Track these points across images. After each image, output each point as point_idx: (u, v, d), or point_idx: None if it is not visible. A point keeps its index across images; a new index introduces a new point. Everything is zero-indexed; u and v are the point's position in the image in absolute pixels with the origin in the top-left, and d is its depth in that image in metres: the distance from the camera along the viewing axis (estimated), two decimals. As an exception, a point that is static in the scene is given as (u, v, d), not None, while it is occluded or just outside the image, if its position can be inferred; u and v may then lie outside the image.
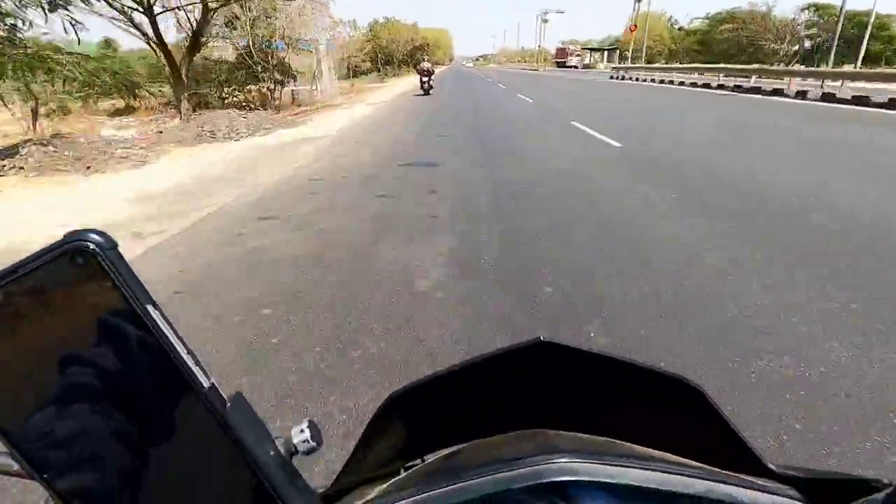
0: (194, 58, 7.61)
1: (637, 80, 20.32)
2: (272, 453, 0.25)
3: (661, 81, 18.73)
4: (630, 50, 33.56)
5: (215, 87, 9.28)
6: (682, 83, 17.04)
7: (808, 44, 22.97)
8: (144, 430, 0.23)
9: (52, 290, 0.21)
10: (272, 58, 9.66)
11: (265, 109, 9.66)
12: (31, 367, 0.21)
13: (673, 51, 28.63)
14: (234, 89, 9.15)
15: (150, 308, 0.21)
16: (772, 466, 0.28)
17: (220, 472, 0.25)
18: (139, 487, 0.23)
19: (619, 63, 38.81)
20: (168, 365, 0.22)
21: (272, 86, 9.91)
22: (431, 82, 16.01)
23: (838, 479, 0.28)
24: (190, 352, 0.23)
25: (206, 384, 0.23)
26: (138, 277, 0.21)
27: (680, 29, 40.91)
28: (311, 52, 12.66)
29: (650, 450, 0.29)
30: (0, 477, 0.23)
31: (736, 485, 0.25)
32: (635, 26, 22.66)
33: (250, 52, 9.39)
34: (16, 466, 0.23)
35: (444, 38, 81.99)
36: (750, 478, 0.26)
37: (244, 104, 9.10)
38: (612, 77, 22.45)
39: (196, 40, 7.29)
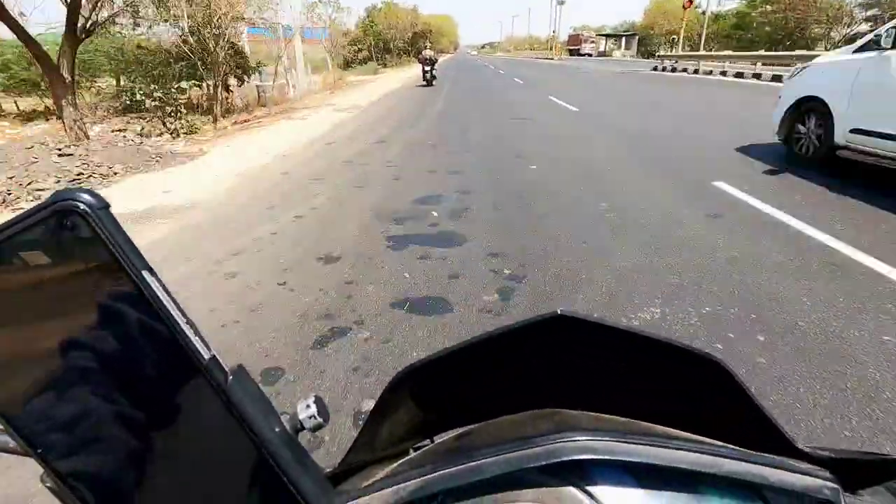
0: (80, 45, 5.01)
1: (694, 72, 15.55)
2: (277, 430, 0.24)
3: (722, 73, 14.80)
4: (661, 35, 30.56)
5: (144, 84, 6.70)
6: (757, 76, 13.68)
7: (864, 26, 19.75)
8: (142, 405, 0.22)
9: (41, 253, 0.19)
10: (220, 46, 7.02)
11: (210, 114, 7.03)
12: (20, 334, 0.20)
13: (709, 36, 25.40)
14: (164, 87, 6.52)
15: (146, 274, 0.20)
16: (801, 446, 0.28)
17: (223, 449, 0.24)
18: (137, 464, 0.22)
19: (637, 50, 35.43)
20: (166, 335, 0.21)
21: (218, 82, 7.27)
22: (434, 71, 14.62)
23: (869, 460, 0.28)
24: (189, 321, 0.22)
25: (206, 356, 0.22)
26: (133, 241, 0.20)
27: (703, 13, 37.31)
28: (277, 38, 9.97)
29: (671, 429, 0.28)
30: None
31: (764, 464, 0.24)
32: (690, 1, 19.43)
33: (189, 37, 6.75)
34: (11, 443, 0.22)
35: (448, 25, 78.32)
36: (779, 458, 0.26)
37: (179, 109, 6.43)
38: (655, 68, 19.06)
39: (73, 20, 4.68)
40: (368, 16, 25.53)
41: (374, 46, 24.95)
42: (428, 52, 15.06)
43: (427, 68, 14.57)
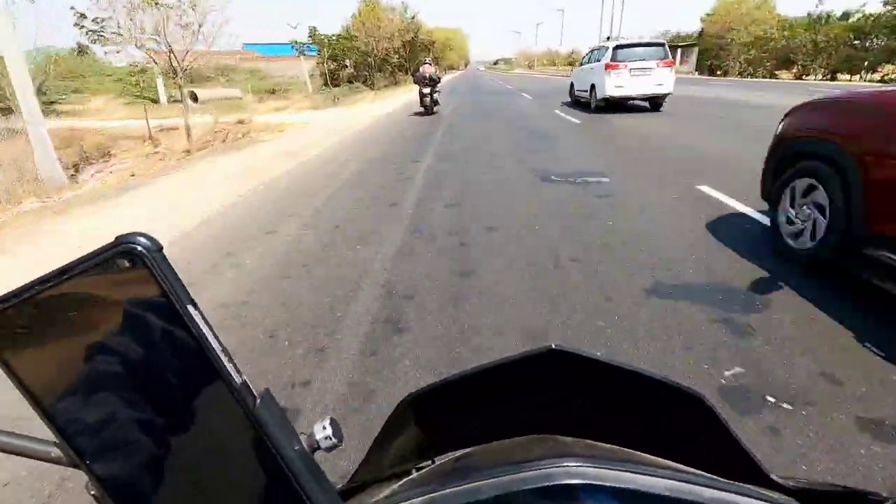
0: None
1: None
2: (297, 448, 0.30)
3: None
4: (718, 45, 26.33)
5: None
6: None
7: None
8: (179, 421, 0.28)
9: (102, 287, 0.25)
10: None
11: None
12: (80, 359, 0.26)
13: (818, 46, 20.70)
14: None
15: (189, 307, 0.26)
16: (774, 476, 0.34)
17: (247, 463, 0.29)
18: (172, 475, 0.28)
19: (696, 65, 30.98)
20: (204, 361, 0.27)
21: None
22: (437, 95, 12.31)
23: (838, 491, 0.33)
24: (224, 349, 0.27)
25: (238, 380, 0.27)
26: (180, 278, 0.26)
27: (777, 18, 32.86)
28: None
29: (656, 458, 0.34)
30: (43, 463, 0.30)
31: (739, 493, 0.29)
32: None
33: None
34: (55, 453, 0.29)
35: (458, 39, 75.71)
36: (753, 487, 0.31)
37: None
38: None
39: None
40: (353, 23, 21.49)
41: (359, 63, 20.67)
42: (427, 69, 12.17)
43: (426, 91, 11.87)
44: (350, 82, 21.62)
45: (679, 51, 30.55)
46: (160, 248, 0.26)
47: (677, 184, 4.09)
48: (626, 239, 2.91)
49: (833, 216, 1.86)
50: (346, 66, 22.14)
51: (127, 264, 0.25)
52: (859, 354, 1.62)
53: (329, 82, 22.82)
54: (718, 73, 30.85)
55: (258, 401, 0.28)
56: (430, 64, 12.80)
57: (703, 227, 2.98)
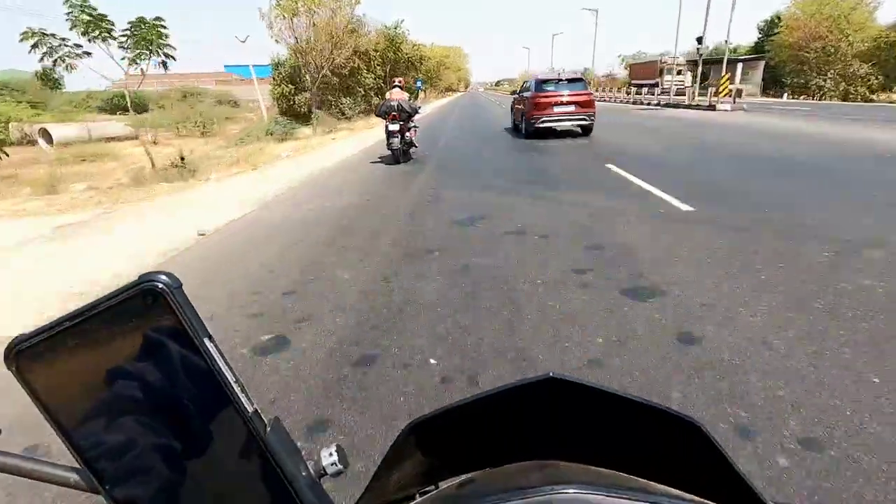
0: None
1: None
2: (304, 474, 0.35)
3: None
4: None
5: None
6: None
7: None
8: (194, 448, 0.33)
9: (126, 322, 0.30)
10: None
11: None
12: (104, 390, 0.31)
13: None
14: None
15: (206, 341, 0.31)
16: (770, 503, 0.37)
17: (258, 488, 0.34)
18: (184, 499, 0.33)
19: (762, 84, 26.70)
20: (219, 390, 0.32)
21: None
22: (411, 135, 9.12)
23: None
24: (238, 380, 0.32)
25: (250, 409, 0.32)
26: (198, 313, 0.31)
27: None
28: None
29: (655, 483, 0.37)
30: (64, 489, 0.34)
31: None
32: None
33: None
34: (75, 479, 0.33)
35: (456, 58, 72.31)
36: None
37: None
38: None
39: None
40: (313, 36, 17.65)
41: (321, 85, 16.46)
42: (396, 95, 9.01)
43: (393, 127, 8.56)
44: (310, 111, 17.30)
45: (738, 67, 26.40)
46: (180, 286, 0.31)
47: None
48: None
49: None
50: (305, 90, 17.95)
51: (150, 300, 0.30)
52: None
53: (287, 110, 18.67)
54: (796, 94, 26.52)
55: (268, 428, 0.34)
56: (402, 86, 9.48)
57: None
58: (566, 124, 11.11)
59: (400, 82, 9.28)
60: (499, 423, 0.46)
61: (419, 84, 33.72)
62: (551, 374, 0.39)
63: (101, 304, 0.30)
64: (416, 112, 9.13)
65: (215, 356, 0.31)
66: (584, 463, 0.40)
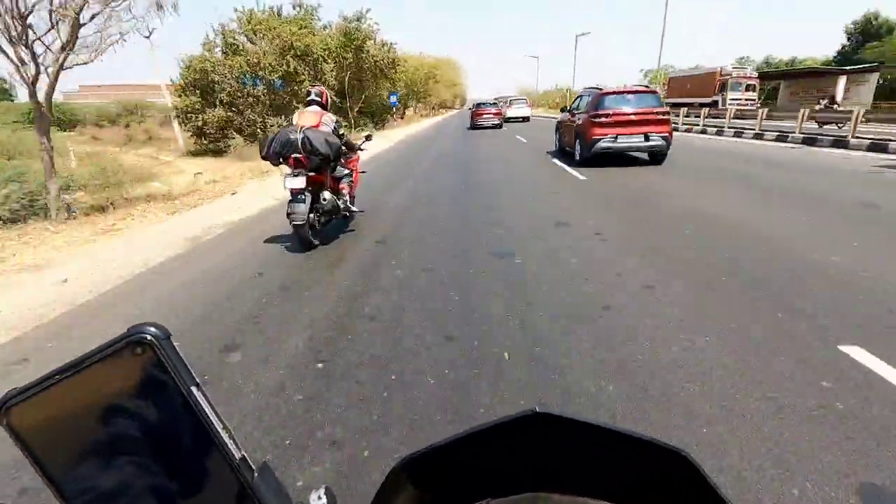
0: None
1: None
2: None
3: None
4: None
5: None
6: None
7: None
8: (183, 496, 0.37)
9: (115, 374, 0.34)
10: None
11: None
12: (94, 439, 0.35)
13: None
14: None
15: (194, 389, 0.35)
16: None
17: None
18: None
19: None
20: (206, 437, 0.36)
21: None
22: (348, 191, 5.81)
23: None
24: (225, 426, 0.36)
25: (237, 455, 0.36)
26: (186, 363, 0.35)
27: None
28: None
29: None
30: None
31: None
32: None
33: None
34: None
35: (449, 70, 67.25)
36: None
37: None
38: None
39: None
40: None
41: (243, 98, 12.51)
42: (306, 120, 5.12)
43: (296, 182, 4.78)
44: (224, 135, 13.11)
45: (841, 80, 22.58)
46: (168, 336, 0.34)
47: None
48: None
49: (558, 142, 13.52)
50: (216, 104, 13.78)
51: (139, 351, 0.33)
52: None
53: (198, 132, 14.50)
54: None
55: (256, 474, 0.38)
56: (323, 103, 5.56)
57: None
58: (635, 146, 9.83)
59: (320, 94, 5.35)
60: (488, 457, 0.51)
61: (393, 100, 28.22)
62: (536, 410, 0.44)
63: (90, 356, 0.34)
64: (351, 154, 5.28)
65: (203, 404, 0.35)
66: (574, 494, 0.47)
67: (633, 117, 9.59)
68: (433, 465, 0.51)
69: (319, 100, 5.23)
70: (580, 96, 11.53)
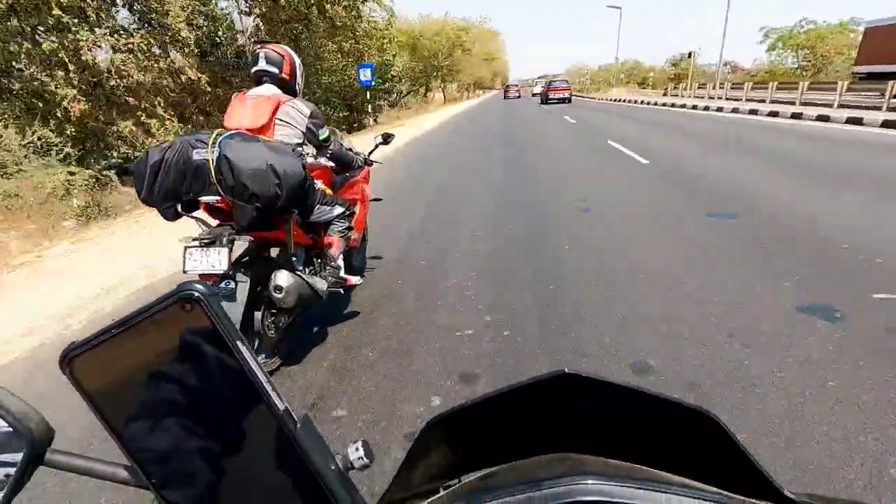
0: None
1: None
2: (333, 468, 0.46)
3: None
4: None
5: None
6: None
7: None
8: (230, 445, 0.44)
9: (167, 328, 0.41)
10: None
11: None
12: (149, 391, 0.42)
13: None
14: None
15: (239, 343, 0.42)
16: (788, 493, 0.44)
17: (290, 483, 0.45)
18: (222, 494, 0.45)
19: None
20: (252, 390, 0.42)
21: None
22: (334, 249, 3.22)
23: None
24: (269, 380, 0.43)
25: (281, 407, 0.43)
26: (231, 319, 0.42)
27: None
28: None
29: (672, 475, 0.44)
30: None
31: None
32: None
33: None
34: (123, 474, 0.48)
35: (489, 42, 61.67)
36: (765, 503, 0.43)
37: None
38: None
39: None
40: None
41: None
42: (246, 114, 2.81)
43: (206, 266, 2.50)
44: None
45: None
46: (215, 293, 0.49)
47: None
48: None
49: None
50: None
51: (188, 308, 0.40)
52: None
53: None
54: None
55: (299, 425, 0.44)
56: (278, 77, 3.01)
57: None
58: (557, 98, 38.63)
59: (278, 61, 3.11)
60: (516, 418, 0.58)
61: (365, 76, 18.58)
62: (566, 371, 0.50)
63: (144, 312, 0.41)
64: (345, 166, 3.55)
65: (248, 358, 0.42)
66: (601, 455, 0.49)
67: (557, 89, 40.07)
68: (463, 425, 0.59)
69: (276, 71, 3.06)
70: (548, 81, 46.54)
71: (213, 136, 2.42)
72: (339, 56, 18.63)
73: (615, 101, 42.26)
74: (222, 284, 2.57)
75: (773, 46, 47.46)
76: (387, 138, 4.07)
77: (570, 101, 39.96)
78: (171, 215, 2.60)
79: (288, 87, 3.09)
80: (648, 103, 34.33)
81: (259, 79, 3.05)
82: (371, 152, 3.96)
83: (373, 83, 19.39)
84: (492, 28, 64.55)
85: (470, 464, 0.60)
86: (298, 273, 2.86)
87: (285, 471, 0.45)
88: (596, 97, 52.72)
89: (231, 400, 0.42)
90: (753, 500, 0.40)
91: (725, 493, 0.41)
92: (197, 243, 2.56)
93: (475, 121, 26.04)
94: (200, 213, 2.75)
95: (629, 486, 0.39)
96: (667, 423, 0.51)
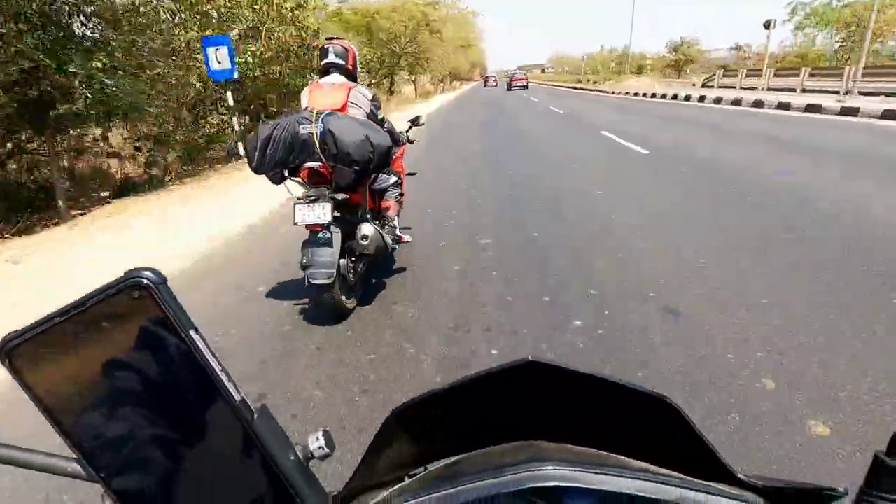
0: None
1: None
2: (292, 458, 0.50)
3: None
4: None
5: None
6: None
7: None
8: (184, 436, 0.46)
9: (114, 317, 0.42)
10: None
11: None
12: (95, 383, 0.44)
13: None
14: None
15: (192, 332, 0.43)
16: (739, 475, 0.50)
17: (248, 474, 0.49)
18: (177, 486, 0.47)
19: None
20: (206, 380, 0.44)
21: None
22: (393, 212, 4.35)
23: (799, 488, 0.50)
24: (224, 369, 0.45)
25: (237, 397, 0.46)
26: (183, 307, 0.44)
27: None
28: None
29: (631, 460, 0.52)
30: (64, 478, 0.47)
31: (706, 492, 0.46)
32: None
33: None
34: (72, 468, 0.46)
35: (462, 28, 56.41)
36: (719, 485, 0.48)
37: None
38: None
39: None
40: None
41: None
42: (322, 99, 3.67)
43: (314, 217, 3.41)
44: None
45: None
46: (164, 281, 0.42)
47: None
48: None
49: None
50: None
51: (136, 295, 0.41)
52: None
53: None
54: None
55: (255, 416, 0.47)
56: (349, 69, 4.03)
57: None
58: (518, 86, 62.94)
59: (343, 53, 4.22)
60: (481, 406, 0.62)
61: (217, 61, 10.30)
62: (530, 358, 0.52)
63: (89, 299, 0.41)
64: (397, 143, 4.39)
65: (201, 347, 0.43)
66: (565, 442, 0.55)
67: (518, 78, 67.49)
68: (428, 414, 0.62)
69: (343, 62, 4.07)
70: (511, 73, 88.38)
71: (315, 114, 3.40)
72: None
73: (638, 96, 36.25)
74: (321, 234, 3.55)
75: (802, 25, 42.78)
76: (416, 120, 5.18)
77: (527, 87, 66.65)
78: (278, 179, 3.63)
79: (350, 76, 4.09)
80: (702, 99, 27.31)
81: (327, 69, 4.03)
82: (407, 131, 4.91)
83: (234, 74, 11.29)
84: (466, 8, 56.20)
85: (436, 452, 0.64)
86: (376, 227, 3.84)
87: (242, 462, 0.47)
88: (610, 91, 47.34)
89: (183, 390, 0.44)
90: (707, 482, 0.47)
91: (682, 476, 0.48)
92: (304, 200, 3.50)
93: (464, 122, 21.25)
94: (298, 181, 3.73)
95: (590, 471, 0.45)
96: (628, 410, 0.56)
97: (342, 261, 3.71)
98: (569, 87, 66.88)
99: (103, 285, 0.41)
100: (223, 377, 0.43)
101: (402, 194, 4.61)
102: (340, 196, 3.59)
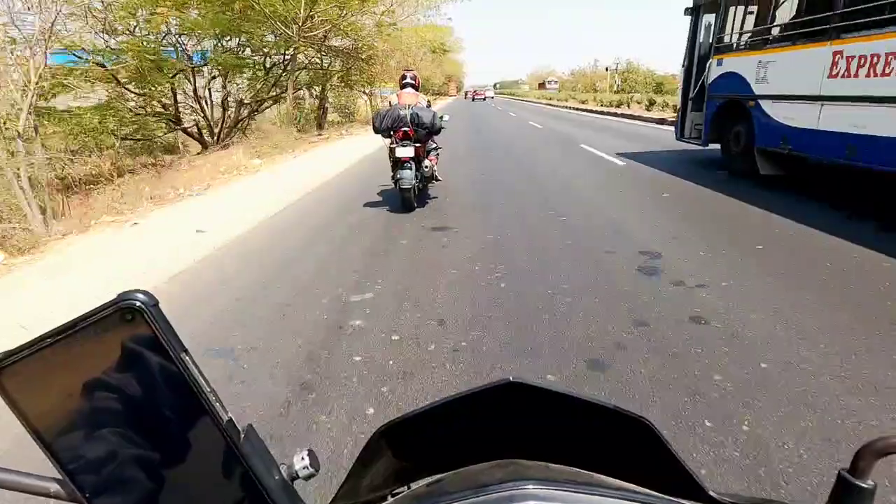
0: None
1: None
2: (277, 478, 0.52)
3: None
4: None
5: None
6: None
7: None
8: (172, 457, 0.48)
9: (106, 339, 0.44)
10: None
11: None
12: (84, 404, 0.45)
13: None
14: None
15: (182, 355, 0.46)
16: (712, 493, 0.56)
17: (233, 494, 0.50)
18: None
19: None
20: (195, 401, 0.47)
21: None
22: (434, 163, 8.30)
23: None
24: (213, 390, 0.48)
25: (224, 418, 0.48)
26: (174, 329, 0.46)
27: None
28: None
29: (608, 478, 0.54)
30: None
31: None
32: None
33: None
34: (55, 488, 0.48)
35: (430, 32, 51.73)
36: (692, 503, 0.52)
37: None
38: None
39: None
40: None
41: None
42: (407, 99, 7.85)
43: (405, 151, 7.43)
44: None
45: None
46: (156, 303, 0.44)
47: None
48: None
49: None
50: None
51: (128, 317, 0.43)
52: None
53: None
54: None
55: (242, 436, 0.50)
56: (416, 85, 8.39)
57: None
58: (480, 98, 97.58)
59: (414, 78, 8.03)
60: (464, 425, 0.68)
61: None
62: (511, 379, 0.58)
63: (81, 321, 0.43)
64: (440, 129, 7.77)
65: (191, 369, 0.46)
66: (545, 461, 0.58)
67: (478, 93, 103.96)
68: (411, 433, 0.66)
69: (414, 83, 8.16)
70: (475, 89, 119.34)
71: (407, 106, 7.65)
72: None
73: (577, 111, 39.98)
74: (407, 163, 7.56)
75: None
76: (441, 118, 8.52)
77: (493, 98, 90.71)
78: (385, 135, 7.77)
79: (417, 89, 8.33)
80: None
81: (404, 85, 8.24)
82: (444, 120, 8.57)
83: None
84: (443, 26, 42.58)
85: (418, 471, 0.70)
86: (431, 163, 8.20)
87: (229, 482, 0.49)
88: (562, 106, 49.41)
89: (173, 412, 0.45)
90: (681, 501, 0.49)
91: (657, 494, 0.50)
92: (399, 144, 7.51)
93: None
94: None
95: (569, 489, 0.46)
96: (606, 429, 0.61)
97: (416, 181, 7.81)
98: (537, 103, 69.56)
99: (96, 307, 0.42)
100: (212, 398, 0.46)
101: (438, 154, 8.80)
102: (416, 146, 7.57)
